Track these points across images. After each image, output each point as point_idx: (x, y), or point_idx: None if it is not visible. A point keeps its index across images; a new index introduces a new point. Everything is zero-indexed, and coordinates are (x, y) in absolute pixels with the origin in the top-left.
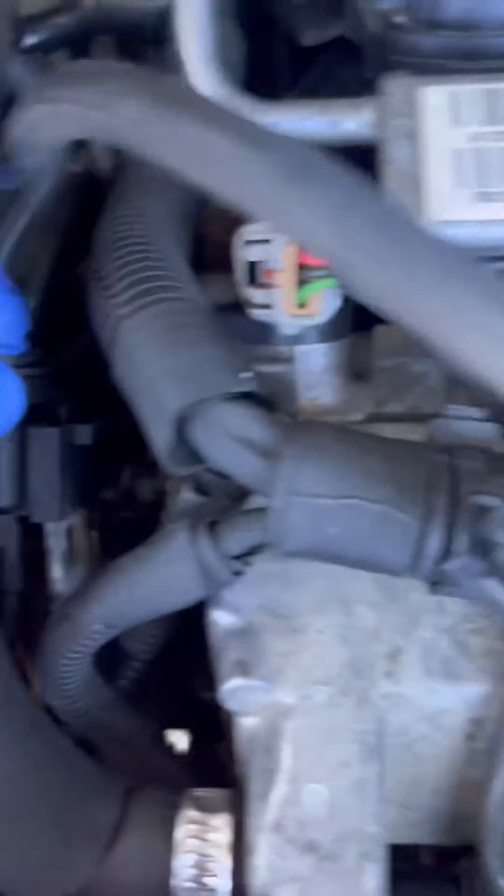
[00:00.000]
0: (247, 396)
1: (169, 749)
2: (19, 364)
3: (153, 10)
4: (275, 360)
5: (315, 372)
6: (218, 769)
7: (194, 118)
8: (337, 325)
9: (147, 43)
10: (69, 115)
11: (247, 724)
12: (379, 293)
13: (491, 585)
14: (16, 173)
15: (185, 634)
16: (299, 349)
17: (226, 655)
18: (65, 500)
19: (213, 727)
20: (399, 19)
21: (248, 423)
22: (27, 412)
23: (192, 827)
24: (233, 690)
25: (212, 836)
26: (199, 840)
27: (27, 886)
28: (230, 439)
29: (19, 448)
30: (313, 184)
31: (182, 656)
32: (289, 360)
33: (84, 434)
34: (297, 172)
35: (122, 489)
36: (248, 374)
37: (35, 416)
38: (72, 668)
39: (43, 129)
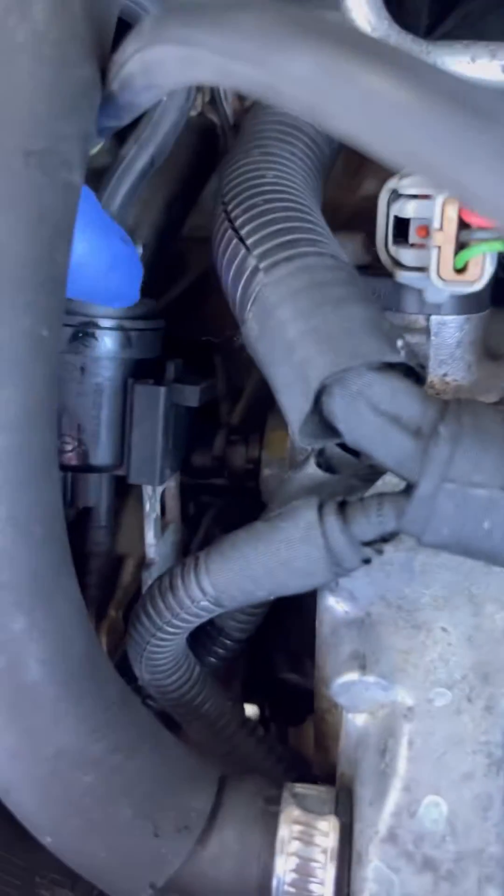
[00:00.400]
0: (395, 367)
1: (253, 730)
2: (128, 316)
3: None
4: (407, 329)
5: (449, 346)
6: (293, 753)
7: (388, 78)
8: (478, 296)
9: None
10: (207, 63)
11: (357, 721)
12: None
13: None
14: (125, 110)
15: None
16: (435, 319)
17: (340, 647)
18: (165, 463)
19: (290, 709)
20: None
21: (397, 396)
22: (133, 367)
23: (297, 828)
24: (347, 685)
25: (318, 839)
26: (304, 843)
27: (113, 876)
28: (375, 413)
29: (122, 405)
30: None
31: (265, 633)
32: (423, 331)
33: (192, 395)
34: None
35: (214, 455)
36: (401, 342)
37: (141, 372)
38: (168, 643)
39: (168, 72)
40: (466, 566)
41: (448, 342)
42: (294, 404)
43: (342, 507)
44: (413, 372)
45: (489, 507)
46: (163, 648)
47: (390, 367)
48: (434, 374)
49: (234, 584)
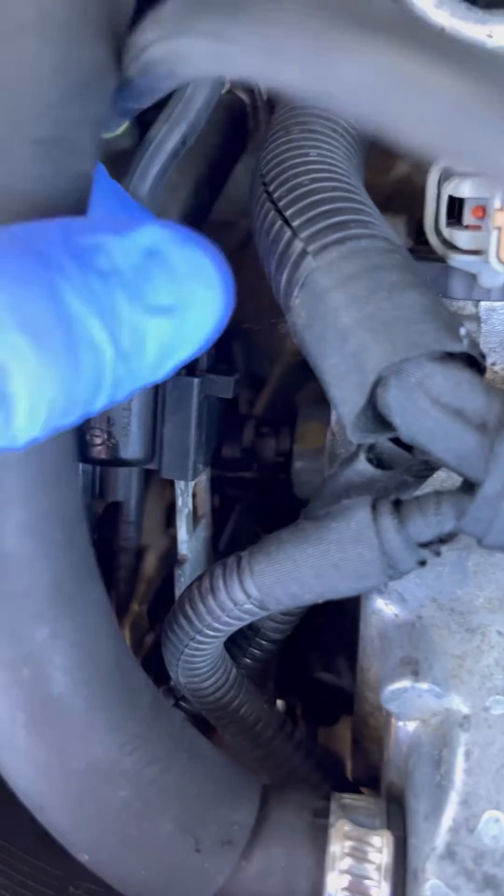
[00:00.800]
0: (455, 357)
1: (291, 735)
2: None
3: None
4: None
5: (499, 332)
6: (329, 756)
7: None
8: None
9: None
10: (241, 61)
11: (408, 728)
12: None
13: None
14: (146, 94)
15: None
16: (485, 305)
17: (390, 652)
18: (198, 457)
19: (323, 709)
20: None
21: (461, 388)
22: None
23: (349, 843)
24: (399, 692)
25: (372, 855)
26: (357, 860)
27: (155, 893)
28: (436, 407)
29: (154, 396)
30: None
31: (298, 631)
32: (472, 317)
33: (226, 386)
34: None
35: (243, 447)
36: (464, 331)
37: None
38: (207, 647)
39: (195, 65)
40: None
41: (498, 329)
42: (347, 397)
43: (397, 505)
44: (475, 362)
45: None
46: (201, 652)
47: (451, 357)
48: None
49: (280, 586)
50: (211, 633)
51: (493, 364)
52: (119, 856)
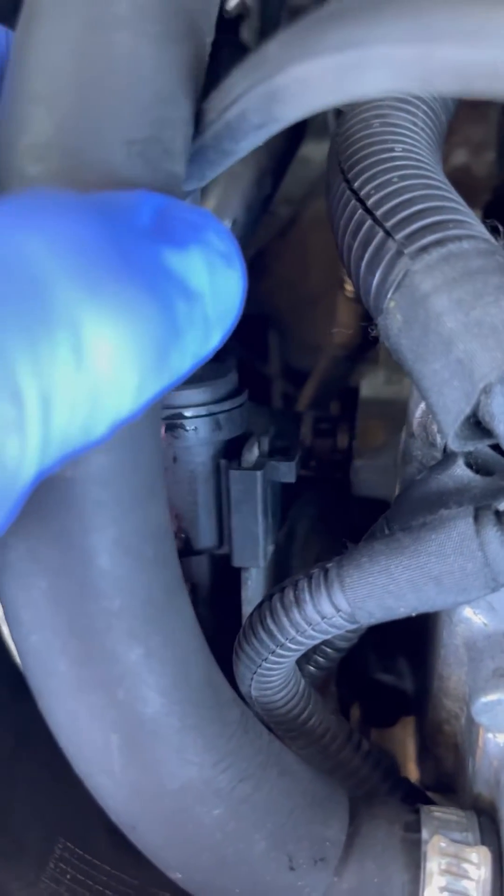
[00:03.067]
0: None
1: (359, 745)
2: (215, 400)
3: None
4: None
5: None
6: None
7: None
8: None
9: None
10: (385, 61)
11: (499, 742)
12: None
13: None
14: (215, 164)
15: None
16: None
17: (480, 662)
18: (266, 541)
19: (384, 710)
20: None
21: None
22: (223, 448)
23: (446, 860)
24: (491, 705)
25: (470, 871)
26: (455, 876)
27: None
28: None
29: (217, 486)
30: None
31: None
32: None
33: (288, 472)
34: None
35: (303, 446)
36: None
37: (231, 451)
38: (285, 661)
39: (311, 92)
40: None
41: None
42: (450, 405)
43: (499, 516)
44: None
45: None
46: (279, 666)
47: None
48: None
49: (373, 600)
50: (293, 646)
51: None
52: (213, 875)
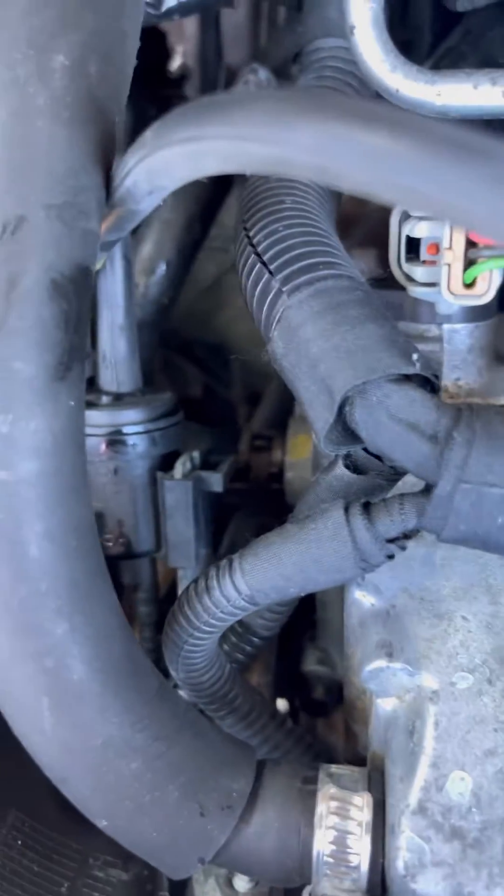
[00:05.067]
0: (411, 378)
1: (283, 722)
2: (153, 418)
3: None
4: (420, 338)
5: (461, 352)
6: (319, 742)
7: (386, 133)
8: (487, 305)
9: (286, 7)
10: (216, 153)
11: (385, 706)
12: None
13: None
14: (127, 220)
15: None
16: (447, 328)
17: (368, 637)
18: (199, 544)
19: (316, 701)
20: None
21: (414, 405)
22: (160, 461)
23: (334, 804)
24: (375, 672)
25: (354, 813)
26: (341, 817)
27: (165, 854)
28: (394, 422)
29: (154, 495)
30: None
31: (293, 630)
32: (436, 339)
33: (216, 482)
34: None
35: (240, 462)
36: (416, 355)
37: (167, 464)
38: (203, 642)
39: (175, 172)
40: (483, 559)
41: (460, 348)
42: (319, 415)
43: (367, 507)
44: (429, 382)
45: (502, 505)
46: (199, 648)
47: (407, 378)
48: (448, 379)
49: (267, 582)
50: (208, 629)
51: (458, 379)
52: (133, 821)
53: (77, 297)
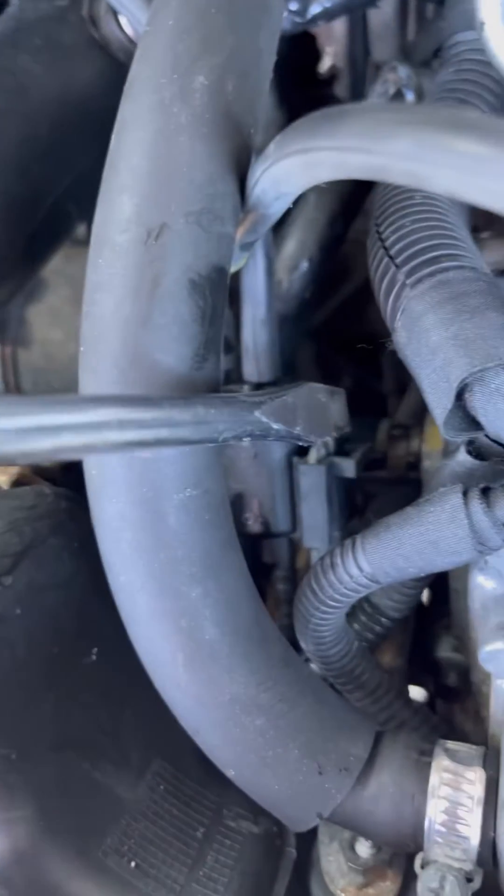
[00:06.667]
0: None
1: (409, 701)
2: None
3: None
4: None
5: None
6: (452, 728)
7: (475, 141)
8: None
9: (433, 2)
10: (327, 162)
11: None
12: None
13: None
14: (260, 223)
15: (431, 596)
16: None
17: (487, 619)
18: (333, 526)
19: (450, 688)
20: None
21: None
22: (297, 447)
23: (447, 776)
24: (494, 653)
25: (466, 787)
26: (454, 789)
27: (286, 806)
28: None
29: (290, 478)
30: None
31: (425, 617)
32: None
33: (349, 468)
34: None
35: (379, 450)
36: None
37: (304, 449)
38: (330, 617)
39: (294, 179)
40: None
41: None
42: (438, 402)
43: (485, 492)
44: None
45: None
46: (326, 622)
47: None
48: None
49: (387, 561)
50: (333, 603)
51: None
52: (257, 773)
53: (213, 294)
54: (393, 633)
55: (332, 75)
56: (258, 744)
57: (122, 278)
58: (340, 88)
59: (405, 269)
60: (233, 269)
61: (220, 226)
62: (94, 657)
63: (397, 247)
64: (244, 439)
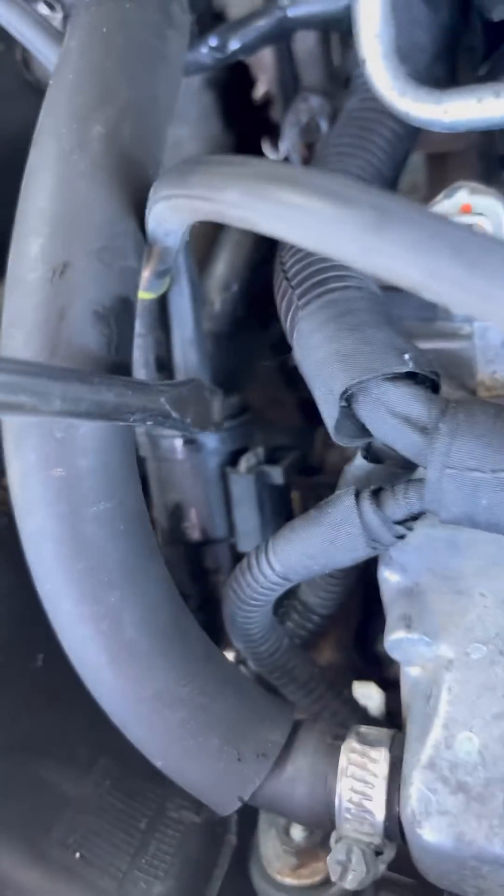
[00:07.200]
0: (409, 376)
1: (340, 692)
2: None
3: (344, 5)
4: (454, 336)
5: (495, 346)
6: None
7: (287, 192)
8: None
9: (342, 32)
10: (183, 207)
11: (411, 673)
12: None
13: None
14: (167, 255)
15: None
16: (478, 325)
17: (392, 610)
18: (265, 531)
19: (392, 681)
20: None
21: (406, 400)
22: (229, 457)
23: (354, 756)
24: (397, 642)
25: (371, 766)
26: (360, 768)
27: (210, 791)
28: (390, 415)
29: (225, 487)
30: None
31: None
32: (468, 336)
33: (277, 475)
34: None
35: (316, 456)
36: (409, 355)
37: (237, 460)
38: (253, 614)
39: (169, 220)
40: None
41: (493, 343)
42: (328, 411)
43: (376, 493)
44: (429, 379)
45: (483, 487)
46: (251, 619)
47: (407, 376)
48: (484, 373)
49: (294, 560)
50: (253, 602)
51: (495, 372)
52: (182, 762)
53: (118, 323)
54: (330, 630)
55: (267, 100)
56: (181, 734)
57: (32, 313)
58: (276, 112)
59: (298, 290)
60: (154, 295)
61: (123, 260)
62: (39, 663)
63: (293, 269)
64: (147, 423)
